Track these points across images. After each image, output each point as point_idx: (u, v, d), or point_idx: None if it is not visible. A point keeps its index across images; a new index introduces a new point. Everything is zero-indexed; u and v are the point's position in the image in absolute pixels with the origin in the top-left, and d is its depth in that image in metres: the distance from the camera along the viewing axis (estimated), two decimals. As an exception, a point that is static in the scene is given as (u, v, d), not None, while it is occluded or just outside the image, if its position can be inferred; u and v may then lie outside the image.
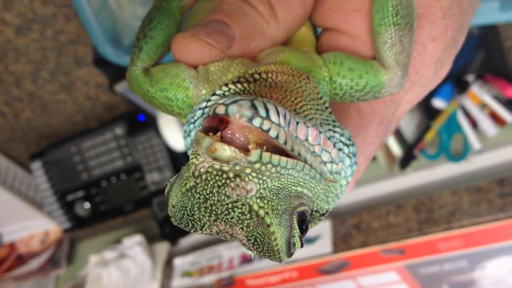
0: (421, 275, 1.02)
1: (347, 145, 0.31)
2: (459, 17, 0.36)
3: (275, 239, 0.27)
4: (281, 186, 0.27)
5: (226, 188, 0.26)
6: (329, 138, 0.30)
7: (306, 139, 0.28)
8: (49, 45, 1.16)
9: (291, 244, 0.28)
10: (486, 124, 1.02)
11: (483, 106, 1.02)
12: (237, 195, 0.26)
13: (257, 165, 0.26)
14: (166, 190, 0.29)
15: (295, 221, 0.28)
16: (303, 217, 0.28)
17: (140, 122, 1.25)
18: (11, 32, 1.13)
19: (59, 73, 1.22)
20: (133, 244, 1.26)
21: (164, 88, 0.32)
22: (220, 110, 0.26)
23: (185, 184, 0.27)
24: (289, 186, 0.27)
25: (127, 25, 0.87)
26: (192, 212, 0.27)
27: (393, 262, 1.02)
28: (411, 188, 1.10)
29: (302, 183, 0.28)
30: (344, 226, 1.08)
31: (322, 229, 1.10)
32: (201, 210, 0.27)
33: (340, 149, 0.30)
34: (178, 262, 1.24)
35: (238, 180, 0.26)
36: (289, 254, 0.28)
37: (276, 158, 0.26)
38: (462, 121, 1.04)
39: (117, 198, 1.31)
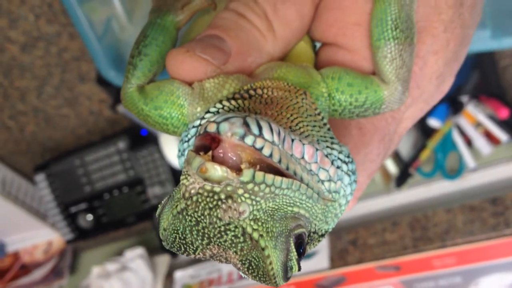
0: (416, 290, 1.04)
1: (346, 163, 0.30)
2: (460, 30, 0.35)
3: (270, 263, 0.26)
4: (276, 207, 0.26)
5: (218, 210, 0.25)
6: (326, 156, 0.29)
7: (302, 157, 0.27)
8: (53, 62, 1.18)
9: (288, 268, 0.27)
10: (480, 142, 1.04)
11: (478, 125, 1.04)
12: (229, 217, 0.25)
13: (250, 186, 0.25)
14: (157, 213, 0.28)
15: (292, 244, 0.27)
16: (300, 240, 0.27)
17: (143, 137, 1.26)
18: (16, 49, 1.16)
19: (63, 89, 1.24)
20: (135, 256, 1.28)
21: (159, 106, 0.32)
22: (211, 128, 0.25)
23: (176, 206, 0.26)
24: (285, 206, 0.26)
25: (129, 47, 0.89)
26: (184, 235, 0.26)
27: (389, 278, 1.04)
28: (407, 205, 1.12)
29: (298, 204, 0.27)
30: (340, 242, 1.10)
31: (319, 245, 1.12)
32: (193, 233, 0.26)
33: (338, 167, 0.29)
34: (179, 275, 1.26)
35: (230, 201, 0.24)
36: (286, 278, 0.27)
37: (270, 177, 0.25)
38: (457, 139, 1.06)
39: (119, 211, 1.33)
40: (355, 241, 1.09)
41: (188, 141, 0.30)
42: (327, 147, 0.29)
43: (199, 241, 0.26)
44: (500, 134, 1.02)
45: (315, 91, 0.32)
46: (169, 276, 1.28)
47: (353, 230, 1.11)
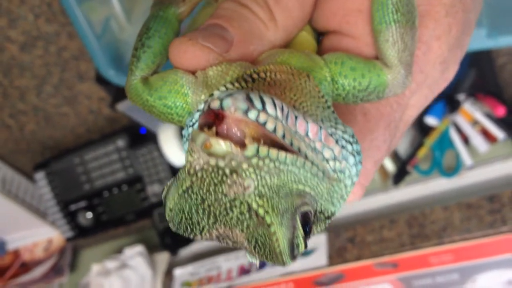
0: (414, 287, 1.04)
1: (351, 143, 0.30)
2: (462, 15, 0.34)
3: (277, 240, 0.25)
4: (281, 184, 0.26)
5: (223, 186, 0.24)
6: (331, 135, 0.28)
7: (306, 135, 0.27)
8: (52, 61, 1.18)
9: (295, 246, 0.26)
10: (477, 140, 1.05)
11: (475, 123, 1.04)
12: (234, 192, 0.24)
13: (254, 160, 0.24)
14: (163, 195, 0.27)
15: (298, 221, 0.26)
16: (306, 218, 0.27)
17: (142, 135, 1.27)
18: (16, 48, 1.16)
19: (62, 88, 1.25)
20: (134, 254, 1.29)
21: (163, 96, 0.32)
22: (215, 104, 0.25)
23: (182, 185, 0.26)
24: (290, 183, 0.26)
25: (128, 46, 0.89)
26: (190, 215, 0.26)
27: (387, 275, 1.04)
28: (404, 202, 1.13)
29: (303, 181, 0.27)
30: (339, 240, 1.11)
31: (318, 242, 1.13)
32: (199, 212, 0.25)
33: (343, 147, 0.29)
34: (178, 272, 1.26)
35: (235, 176, 0.24)
36: (293, 256, 0.27)
37: (274, 152, 0.25)
38: (454, 137, 1.07)
39: (118, 209, 1.34)
40: (353, 239, 1.10)
41: (192, 125, 0.30)
42: (331, 126, 0.29)
43: (205, 220, 0.26)
44: (496, 132, 1.02)
45: (318, 75, 0.32)
46: (168, 274, 1.29)
47: (351, 228, 1.11)
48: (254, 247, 0.26)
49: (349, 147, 0.29)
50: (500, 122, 1.02)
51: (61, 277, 1.46)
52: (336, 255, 1.10)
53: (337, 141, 0.29)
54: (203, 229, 0.26)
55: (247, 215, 0.25)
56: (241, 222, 0.25)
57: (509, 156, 1.06)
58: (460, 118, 1.05)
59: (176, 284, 1.25)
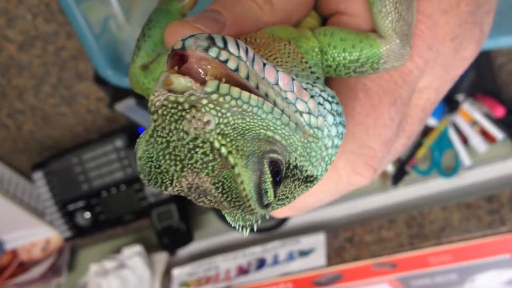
0: (413, 287, 1.04)
1: (329, 102, 0.29)
2: None
3: (242, 183, 0.25)
4: (247, 127, 0.25)
5: (184, 122, 0.24)
6: (305, 89, 0.28)
7: (277, 83, 0.27)
8: (51, 61, 1.18)
9: (262, 191, 0.26)
10: (476, 140, 1.05)
11: (474, 123, 1.05)
12: (194, 128, 0.24)
13: (214, 96, 0.24)
14: (135, 148, 0.27)
15: (266, 165, 0.26)
16: (276, 167, 0.27)
17: (140, 135, 1.26)
18: (14, 48, 1.16)
19: (60, 87, 1.24)
20: (132, 254, 1.29)
21: (156, 77, 0.31)
22: (178, 45, 0.25)
23: (148, 130, 0.26)
24: (257, 128, 0.26)
25: (127, 46, 0.89)
26: (158, 162, 0.26)
27: (386, 275, 1.04)
28: (403, 203, 1.13)
29: (272, 128, 0.26)
30: (337, 240, 1.11)
31: (316, 242, 1.13)
32: (166, 157, 0.25)
33: (320, 104, 0.29)
34: (177, 272, 1.26)
35: (194, 111, 0.24)
36: (261, 203, 0.26)
37: (236, 90, 0.25)
38: (453, 137, 1.07)
39: (117, 209, 1.34)
40: (351, 239, 1.10)
41: None
42: (307, 83, 0.29)
43: (173, 167, 0.25)
44: (495, 132, 1.03)
45: (304, 45, 0.32)
46: (166, 274, 1.29)
47: (350, 228, 1.11)
48: (222, 193, 0.26)
49: (327, 105, 0.29)
50: (499, 123, 1.02)
51: (59, 277, 1.46)
52: (334, 255, 1.10)
53: (312, 96, 0.28)
54: (172, 178, 0.26)
55: (211, 156, 0.25)
56: (205, 164, 0.25)
57: (508, 156, 1.06)
58: (459, 118, 1.05)
59: (174, 284, 1.25)
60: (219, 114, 0.24)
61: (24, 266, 1.52)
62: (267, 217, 0.30)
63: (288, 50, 0.31)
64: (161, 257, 1.32)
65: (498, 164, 1.07)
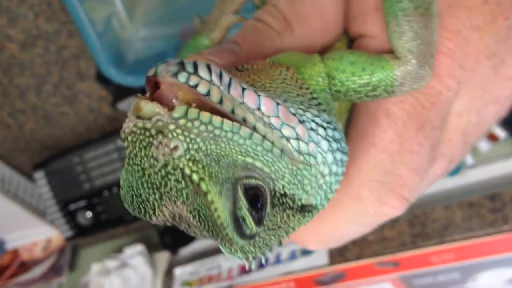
0: (415, 286, 1.04)
1: (323, 127, 0.28)
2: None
3: (216, 210, 0.24)
4: (222, 153, 0.25)
5: (152, 148, 0.24)
6: (293, 114, 0.27)
7: (259, 108, 0.26)
8: (52, 60, 1.18)
9: (240, 219, 0.25)
10: (479, 139, 1.05)
11: (476, 122, 1.04)
12: (162, 154, 0.24)
13: (182, 121, 0.24)
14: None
15: (239, 192, 0.25)
16: (256, 192, 0.26)
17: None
18: (15, 47, 1.16)
19: (62, 87, 1.24)
20: (134, 253, 1.29)
21: None
22: (151, 72, 0.25)
23: (126, 159, 0.26)
24: (234, 154, 0.25)
25: (129, 45, 0.89)
26: (138, 191, 0.25)
27: (388, 274, 1.04)
28: (406, 201, 1.12)
29: (252, 154, 0.26)
30: (340, 239, 1.11)
31: (318, 241, 1.13)
32: (144, 186, 0.25)
33: (312, 129, 0.28)
34: (179, 271, 1.26)
35: (160, 136, 0.24)
36: (240, 232, 0.25)
37: (205, 115, 0.24)
38: (456, 136, 1.06)
39: (118, 208, 1.33)
40: (354, 238, 1.10)
41: None
42: (299, 108, 0.28)
43: (152, 196, 0.25)
44: (498, 131, 1.03)
45: (308, 70, 0.31)
46: (168, 273, 1.29)
47: (352, 227, 1.11)
48: (199, 221, 0.25)
49: (321, 130, 0.28)
50: (502, 121, 1.01)
51: (60, 276, 1.46)
52: (337, 254, 1.10)
53: (302, 122, 0.28)
54: (154, 207, 0.26)
55: (183, 183, 0.24)
56: (180, 192, 0.25)
57: (510, 155, 1.06)
58: (461, 117, 1.05)
59: (177, 284, 1.25)
60: (188, 140, 0.24)
61: (25, 266, 1.51)
62: (272, 249, 0.29)
63: (283, 76, 0.30)
64: (163, 257, 1.32)
65: (500, 163, 1.07)
